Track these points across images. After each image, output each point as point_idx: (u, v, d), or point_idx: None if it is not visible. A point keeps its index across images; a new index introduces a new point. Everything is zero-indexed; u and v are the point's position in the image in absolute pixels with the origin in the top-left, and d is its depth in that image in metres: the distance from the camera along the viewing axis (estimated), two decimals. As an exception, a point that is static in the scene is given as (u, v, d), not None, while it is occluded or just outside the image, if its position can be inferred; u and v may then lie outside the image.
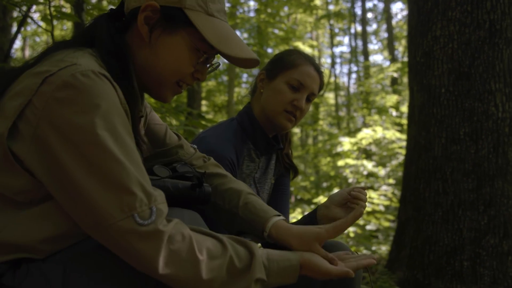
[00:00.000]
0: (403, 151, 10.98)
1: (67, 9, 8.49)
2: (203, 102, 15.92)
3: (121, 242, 1.14)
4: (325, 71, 2.32)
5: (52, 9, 4.38)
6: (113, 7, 1.48)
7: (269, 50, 16.55)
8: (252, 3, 16.64)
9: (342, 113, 22.03)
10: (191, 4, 1.37)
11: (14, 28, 9.23)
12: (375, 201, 9.38)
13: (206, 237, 1.25)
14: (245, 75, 18.28)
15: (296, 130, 21.02)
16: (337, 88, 21.67)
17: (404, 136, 10.77)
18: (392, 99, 13.77)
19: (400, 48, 21.99)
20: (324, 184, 14.08)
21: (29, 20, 5.84)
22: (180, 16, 1.36)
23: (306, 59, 2.23)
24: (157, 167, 1.47)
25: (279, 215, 1.58)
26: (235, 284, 1.25)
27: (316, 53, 21.67)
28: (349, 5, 21.83)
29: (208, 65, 1.48)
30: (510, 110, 3.33)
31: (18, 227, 1.19)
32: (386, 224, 9.52)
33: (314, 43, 18.47)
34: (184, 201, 1.46)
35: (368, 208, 9.20)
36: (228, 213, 1.66)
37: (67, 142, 1.12)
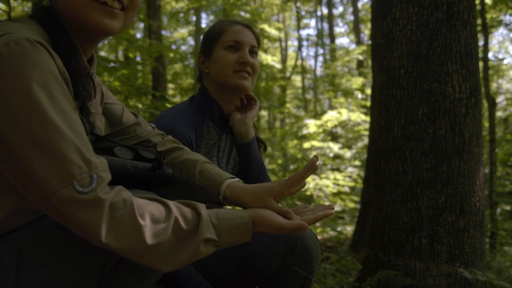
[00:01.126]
0: (368, 133, 11.14)
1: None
2: (169, 85, 15.80)
3: (64, 212, 1.12)
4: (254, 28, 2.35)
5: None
6: None
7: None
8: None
9: (309, 96, 22.13)
10: None
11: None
12: (341, 182, 9.51)
13: (149, 202, 1.24)
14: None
15: (264, 113, 21.05)
16: (303, 71, 21.73)
17: (369, 119, 10.91)
18: (358, 81, 13.90)
19: (366, 31, 22.15)
20: (292, 167, 14.18)
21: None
22: None
23: (229, 22, 2.31)
24: (118, 149, 1.47)
25: (234, 177, 1.59)
26: (183, 246, 1.24)
27: (282, 35, 21.66)
28: (315, -13, 21.84)
29: None
30: (466, 91, 3.40)
31: None
32: (352, 205, 9.67)
33: (281, 25, 18.41)
34: (145, 183, 1.46)
35: (334, 189, 9.32)
36: (185, 184, 1.66)
37: (3, 111, 1.11)
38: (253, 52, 2.27)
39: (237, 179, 1.60)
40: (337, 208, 9.38)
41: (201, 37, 2.41)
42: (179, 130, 2.03)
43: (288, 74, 19.91)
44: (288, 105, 19.59)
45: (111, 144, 1.56)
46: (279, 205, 1.46)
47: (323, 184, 9.29)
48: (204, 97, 2.26)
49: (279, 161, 15.42)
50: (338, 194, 9.71)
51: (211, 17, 18.80)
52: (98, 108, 1.60)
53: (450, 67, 3.41)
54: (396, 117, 3.47)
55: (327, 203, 9.14)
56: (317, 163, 1.49)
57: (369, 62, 16.55)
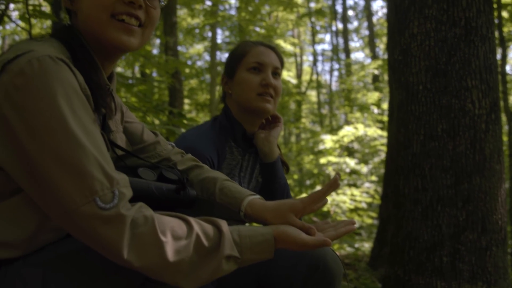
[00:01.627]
0: (385, 148, 11.05)
1: (46, 7, 8.43)
2: (186, 100, 15.87)
3: (85, 228, 1.12)
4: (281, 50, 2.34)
5: (30, 7, 4.34)
6: None
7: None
8: (233, 1, 16.69)
9: (325, 111, 22.09)
10: None
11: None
12: (358, 198, 9.43)
13: (170, 218, 1.23)
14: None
15: (279, 128, 20.94)
16: (319, 86, 21.72)
17: (386, 134, 10.84)
18: (374, 96, 13.84)
19: (381, 45, 22.09)
20: (308, 182, 14.13)
21: (7, 19, 5.77)
22: None
23: (253, 43, 2.29)
24: (142, 170, 1.46)
25: (255, 194, 1.58)
26: (205, 263, 1.22)
27: (297, 50, 21.70)
28: (330, 3, 21.90)
29: None
30: (486, 107, 3.36)
31: None
32: (369, 221, 9.59)
33: (296, 41, 18.46)
34: (169, 204, 1.45)
35: (351, 205, 9.25)
36: (206, 202, 1.65)
37: (28, 127, 1.12)
38: (276, 74, 2.24)
39: (257, 196, 1.59)
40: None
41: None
42: (200, 151, 2.02)
43: (303, 89, 19.92)
44: (303, 120, 19.57)
45: (132, 158, 1.56)
46: (301, 221, 1.45)
47: (340, 200, 9.22)
48: (227, 118, 2.25)
49: (295, 177, 15.36)
50: (355, 210, 9.63)
51: (227, 33, 18.90)
52: (118, 126, 1.61)
53: (469, 82, 3.38)
54: (415, 133, 3.44)
55: (344, 219, 9.10)
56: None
57: (385, 77, 16.53)
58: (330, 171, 11.16)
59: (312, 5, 21.16)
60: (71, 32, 1.40)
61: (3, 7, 4.86)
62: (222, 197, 1.60)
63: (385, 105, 13.71)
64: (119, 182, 1.17)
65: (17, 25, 5.45)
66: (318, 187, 10.77)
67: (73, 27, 1.43)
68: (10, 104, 1.13)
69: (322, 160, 10.78)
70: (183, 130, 4.32)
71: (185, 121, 4.36)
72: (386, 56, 17.09)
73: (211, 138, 2.15)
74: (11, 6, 4.71)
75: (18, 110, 1.13)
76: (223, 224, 1.29)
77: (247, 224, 1.63)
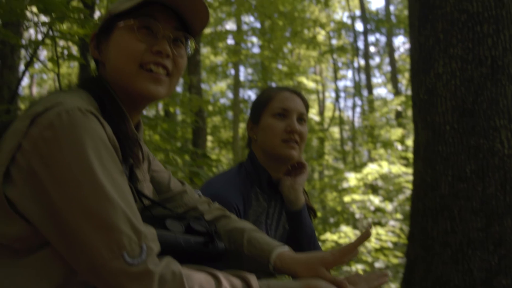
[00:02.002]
0: (410, 185, 10.89)
1: (74, 47, 8.61)
2: (208, 137, 15.95)
3: (113, 283, 1.10)
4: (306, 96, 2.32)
5: (59, 49, 4.42)
6: None
7: (273, 85, 16.65)
8: (255, 40, 16.89)
9: (348, 147, 21.99)
10: (115, 6, 1.43)
11: (22, 67, 9.36)
12: (383, 237, 9.27)
13: (198, 273, 1.21)
14: (250, 111, 18.35)
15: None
16: (341, 122, 21.69)
17: (410, 170, 10.70)
18: (397, 132, 13.75)
19: (404, 81, 22.08)
20: (331, 220, 13.97)
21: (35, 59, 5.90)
22: (109, 19, 1.43)
23: (278, 89, 2.27)
24: (169, 221, 1.44)
25: (283, 246, 1.54)
26: None
27: (320, 87, 21.78)
28: (351, 39, 22.04)
29: (160, 36, 1.42)
30: (516, 147, 3.30)
31: (18, 277, 1.16)
32: (395, 261, 9.39)
33: (318, 77, 18.57)
34: (197, 258, 1.42)
35: (376, 245, 9.09)
36: (234, 254, 1.61)
37: (56, 181, 1.11)
38: (302, 119, 2.20)
39: (286, 247, 1.55)
40: (380, 264, 9.09)
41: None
42: (226, 198, 1.99)
43: (326, 125, 19.90)
44: (326, 157, 19.50)
45: (159, 208, 1.54)
46: (332, 275, 1.40)
47: (365, 239, 9.07)
48: (253, 164, 2.22)
49: (319, 214, 15.20)
50: (380, 249, 9.45)
51: (249, 70, 19.09)
52: (145, 175, 1.59)
53: (497, 122, 3.32)
54: (443, 174, 3.38)
55: (369, 259, 8.90)
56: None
57: (408, 113, 16.44)
58: (354, 209, 11.03)
59: (334, 42, 21.32)
60: (99, 83, 1.41)
61: (32, 49, 4.97)
62: (250, 249, 1.56)
63: (409, 142, 13.60)
64: (147, 236, 1.15)
65: (46, 67, 5.56)
66: (343, 226, 10.62)
67: (101, 77, 1.43)
68: (38, 157, 1.12)
69: (346, 198, 10.66)
70: (207, 171, 4.31)
71: (209, 162, 4.34)
72: (409, 92, 17.06)
73: (237, 185, 2.12)
74: (40, 47, 4.80)
75: (47, 163, 1.12)
76: (253, 279, 1.26)
77: (276, 277, 1.59)
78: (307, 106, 2.26)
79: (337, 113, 21.93)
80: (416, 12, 4.00)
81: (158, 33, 1.40)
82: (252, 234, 1.60)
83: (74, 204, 1.10)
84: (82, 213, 1.10)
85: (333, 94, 24.77)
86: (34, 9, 3.31)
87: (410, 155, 13.27)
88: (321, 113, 22.16)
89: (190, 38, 1.52)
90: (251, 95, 19.49)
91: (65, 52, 4.61)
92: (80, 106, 1.18)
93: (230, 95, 20.67)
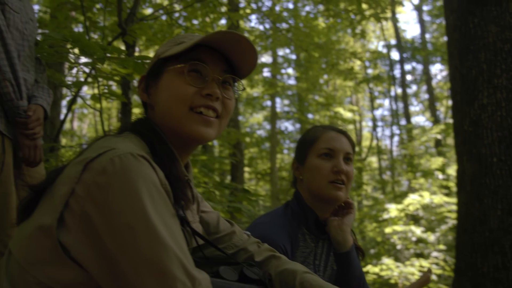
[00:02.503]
0: (452, 215, 10.66)
1: (114, 85, 8.81)
2: (246, 169, 15.97)
3: None
4: (351, 132, 2.29)
5: (101, 87, 4.53)
6: None
7: (310, 116, 16.66)
8: (291, 71, 17.03)
9: (386, 177, 21.72)
10: (163, 50, 1.46)
11: (63, 102, 9.61)
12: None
13: None
14: (287, 141, 18.38)
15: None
16: (379, 151, 21.48)
17: (452, 200, 10.48)
18: (438, 161, 13.52)
19: (442, 108, 21.80)
20: (372, 251, 13.74)
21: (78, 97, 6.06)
22: (157, 63, 1.45)
23: (323, 128, 2.25)
24: (223, 269, 1.43)
25: None
26: None
27: (357, 117, 21.68)
28: (387, 68, 21.95)
29: (211, 80, 1.43)
30: None
31: None
32: (440, 294, 9.15)
33: (355, 107, 18.50)
34: None
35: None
36: None
37: (109, 226, 1.11)
38: (348, 159, 2.18)
39: None
40: (424, 297, 8.88)
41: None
42: (273, 239, 1.97)
43: (363, 155, 19.73)
44: (365, 186, 19.29)
45: (211, 249, 1.53)
46: None
47: (408, 272, 8.87)
48: (299, 204, 2.20)
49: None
50: (424, 282, 9.23)
51: (286, 101, 19.15)
52: (195, 216, 1.59)
53: (547, 153, 3.23)
54: (492, 208, 3.29)
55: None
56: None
57: (447, 141, 16.18)
58: (396, 240, 10.83)
59: (370, 71, 21.27)
60: (148, 126, 1.42)
61: (75, 89, 5.10)
62: None
63: (450, 171, 13.35)
64: (201, 283, 1.14)
65: (88, 105, 5.69)
66: (384, 257, 10.43)
67: (150, 120, 1.45)
68: (92, 202, 1.13)
69: (387, 230, 10.49)
70: (248, 206, 4.30)
71: (249, 197, 4.34)
72: (448, 120, 16.83)
73: (284, 226, 2.10)
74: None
75: (100, 209, 1.12)
76: None
77: None
78: (353, 145, 2.24)
79: (374, 143, 21.74)
80: (456, 42, 3.97)
81: (208, 76, 1.42)
82: (304, 276, 1.58)
83: (128, 249, 1.09)
84: (136, 258, 1.09)
85: (370, 124, 24.60)
86: (76, 50, 3.41)
87: (451, 184, 13.03)
88: (358, 142, 22.00)
89: (238, 80, 1.53)
90: (287, 126, 19.55)
91: (105, 88, 4.72)
92: (132, 151, 1.19)
93: (267, 126, 20.77)
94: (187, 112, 1.38)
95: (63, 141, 15.31)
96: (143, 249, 1.09)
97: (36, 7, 9.59)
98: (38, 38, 3.04)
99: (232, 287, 1.35)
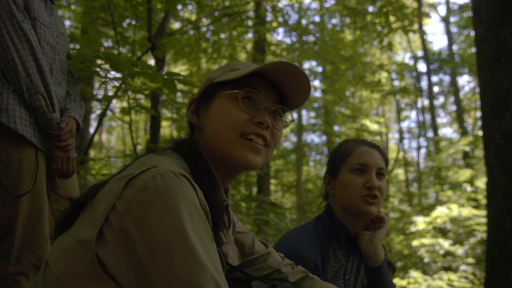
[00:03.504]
0: (481, 228, 10.50)
1: (142, 98, 8.92)
2: (272, 181, 15.96)
3: None
4: (383, 144, 2.27)
5: (131, 101, 4.61)
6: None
7: (336, 128, 16.61)
8: (318, 84, 17.03)
9: (413, 189, 21.50)
10: (216, 75, 1.49)
11: (93, 115, 9.75)
12: (456, 283, 8.92)
13: None
14: (313, 153, 18.33)
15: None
16: (406, 163, 21.28)
17: (481, 213, 10.33)
18: (466, 174, 13.34)
19: (470, 120, 21.53)
20: (399, 264, 13.58)
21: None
22: (211, 86, 1.47)
23: (356, 142, 2.24)
24: (255, 283, 1.45)
25: None
26: None
27: (383, 129, 21.54)
28: (414, 80, 21.79)
29: (261, 108, 1.45)
30: None
31: None
32: (469, 308, 9.01)
33: (381, 119, 18.38)
34: None
35: (449, 292, 8.76)
36: None
37: (147, 243, 1.13)
38: (381, 174, 2.17)
39: None
40: (453, 312, 8.75)
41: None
42: (304, 253, 1.98)
43: (390, 167, 19.58)
44: (391, 199, 19.11)
45: (244, 275, 1.54)
46: None
47: (436, 286, 8.75)
48: (330, 219, 2.20)
49: (385, 258, 14.80)
50: (453, 296, 9.10)
51: (312, 114, 19.14)
52: (230, 237, 1.60)
53: None
54: (524, 222, 3.25)
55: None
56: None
57: (476, 153, 15.97)
58: (423, 253, 10.71)
59: (396, 83, 21.15)
60: (193, 148, 1.45)
61: (105, 103, 5.19)
62: None
63: (478, 183, 13.17)
64: None
65: (118, 118, 5.79)
66: (412, 271, 10.31)
67: (195, 143, 1.48)
68: (131, 218, 1.15)
69: (415, 243, 10.37)
70: (275, 218, 4.31)
71: (278, 211, 4.35)
72: (476, 132, 16.61)
73: (315, 240, 2.10)
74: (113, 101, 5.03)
75: (139, 225, 1.15)
76: None
77: None
78: (386, 159, 2.23)
79: (401, 155, 21.56)
80: (486, 54, 3.94)
81: (260, 105, 1.45)
82: None
83: (164, 267, 1.11)
84: (171, 277, 1.10)
85: (396, 136, 24.41)
86: (107, 65, 3.48)
87: (480, 196, 12.83)
88: (388, 162, 21.81)
89: (288, 111, 1.56)
90: (314, 138, 19.52)
91: (134, 102, 4.80)
92: (174, 169, 1.21)
93: (293, 138, 20.76)
94: (238, 138, 1.41)
95: (92, 153, 15.51)
96: (180, 268, 1.11)
97: (67, 23, 9.78)
98: (71, 53, 3.12)
99: None
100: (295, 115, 17.57)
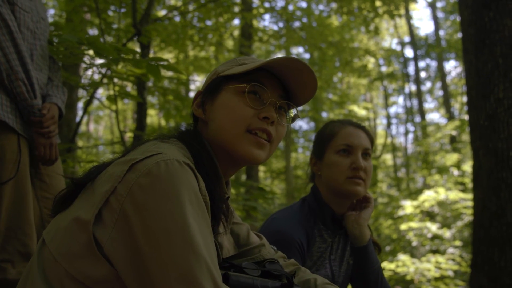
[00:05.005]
0: (468, 211, 10.59)
1: (129, 87, 8.86)
2: (261, 168, 15.98)
3: None
4: (370, 129, 2.28)
5: (116, 88, 4.58)
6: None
7: (324, 114, 16.64)
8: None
9: (401, 174, 21.63)
10: (223, 69, 1.49)
11: (80, 104, 9.69)
12: (443, 266, 9.00)
13: None
14: (301, 140, 18.36)
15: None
16: (394, 149, 21.38)
17: (468, 196, 10.42)
18: (453, 158, 13.43)
19: (457, 105, 21.65)
20: (387, 248, 13.68)
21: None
22: (217, 79, 1.48)
23: (341, 123, 2.25)
24: (246, 264, 1.45)
25: None
26: None
27: (371, 114, 21.61)
28: (401, 66, 21.85)
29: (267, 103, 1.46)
30: None
31: None
32: (456, 290, 9.10)
33: (369, 105, 18.43)
34: None
35: (436, 273, 8.84)
36: None
37: (146, 228, 1.13)
38: (367, 154, 2.18)
39: None
40: (441, 294, 8.82)
41: (313, 137, 2.37)
42: (290, 234, 1.99)
43: (378, 153, 19.66)
44: (380, 184, 19.21)
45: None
46: None
47: (424, 268, 8.81)
48: (316, 199, 2.21)
49: (374, 242, 14.89)
50: (441, 278, 9.16)
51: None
52: (226, 228, 1.61)
53: None
54: (509, 202, 3.29)
55: (430, 288, 8.64)
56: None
57: (463, 137, 16.07)
58: (411, 236, 10.78)
59: (384, 69, 21.19)
60: (198, 139, 1.45)
61: (91, 90, 5.16)
62: None
63: (465, 167, 13.26)
64: None
65: (104, 105, 5.76)
66: (400, 255, 10.39)
67: (199, 134, 1.49)
68: (132, 202, 1.15)
69: (403, 226, 10.44)
70: (263, 204, 4.32)
71: (265, 195, 4.36)
72: (463, 116, 16.71)
73: (300, 221, 2.11)
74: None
75: (139, 209, 1.14)
76: None
77: None
78: (371, 140, 2.24)
79: (389, 140, 21.65)
80: (471, 37, 3.96)
81: (266, 100, 1.45)
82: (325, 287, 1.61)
83: (160, 253, 1.11)
84: (166, 263, 1.10)
85: (384, 121, 24.50)
86: (91, 52, 3.46)
87: (466, 180, 12.93)
88: (374, 142, 21.90)
89: (293, 107, 1.57)
90: (302, 125, 19.57)
91: (126, 89, 4.78)
92: (178, 157, 1.22)
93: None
94: (243, 132, 1.42)
95: (80, 143, 15.43)
96: (176, 255, 1.10)
97: (51, 11, 9.68)
98: (55, 40, 3.09)
99: (255, 282, 1.37)
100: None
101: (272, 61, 1.41)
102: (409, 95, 23.05)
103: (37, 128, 2.32)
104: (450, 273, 9.15)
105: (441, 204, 11.46)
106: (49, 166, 2.45)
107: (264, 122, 1.43)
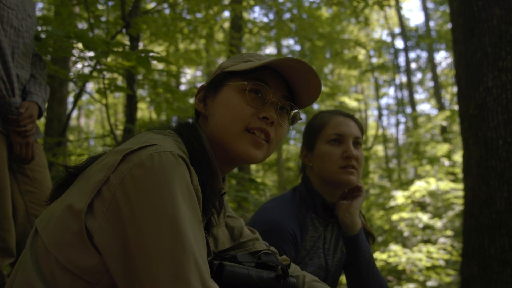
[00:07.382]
0: (459, 201, 10.66)
1: (120, 80, 8.82)
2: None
3: None
4: (360, 118, 2.29)
5: (106, 81, 4.55)
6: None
7: (315, 106, 16.64)
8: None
9: (393, 165, 21.71)
10: (229, 64, 1.48)
11: (70, 99, 9.63)
12: (435, 255, 9.05)
13: None
14: (293, 132, 18.38)
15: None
16: (385, 140, 21.43)
17: (458, 186, 10.47)
18: (443, 148, 13.48)
19: (447, 95, 21.72)
20: (380, 239, 13.74)
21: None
22: (221, 75, 1.46)
23: (330, 113, 2.24)
24: (240, 255, 1.45)
25: None
26: None
27: (362, 106, 21.64)
28: (392, 57, 21.87)
29: (269, 103, 1.45)
30: None
31: None
32: (448, 279, 9.16)
33: (360, 96, 18.44)
34: None
35: (428, 263, 8.89)
36: None
37: (136, 219, 1.12)
38: (357, 143, 2.18)
39: None
40: (432, 283, 8.86)
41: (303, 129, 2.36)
42: (282, 224, 1.99)
43: (369, 144, 19.71)
44: (371, 175, 19.27)
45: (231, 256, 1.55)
46: None
47: (416, 258, 8.87)
48: (307, 189, 2.20)
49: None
50: (432, 267, 9.23)
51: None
52: (221, 221, 1.62)
53: (552, 134, 3.24)
54: (498, 190, 3.30)
55: (421, 278, 8.71)
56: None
57: (453, 127, 16.14)
58: (403, 227, 10.83)
59: (374, 60, 21.21)
60: (195, 133, 1.44)
61: (80, 83, 5.13)
62: None
63: (456, 157, 13.32)
64: None
65: (94, 99, 5.73)
66: (392, 245, 10.44)
67: (197, 128, 1.47)
68: (123, 192, 1.15)
69: (394, 217, 10.48)
70: (254, 195, 4.33)
71: (256, 186, 4.36)
72: (453, 107, 16.77)
73: (292, 210, 2.11)
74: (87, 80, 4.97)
75: (130, 200, 1.13)
76: None
77: None
78: (361, 128, 2.24)
79: (380, 131, 21.71)
80: (460, 27, 3.97)
81: (267, 99, 1.44)
82: (313, 285, 1.63)
83: (148, 246, 1.10)
84: (154, 256, 1.09)
85: (375, 113, 24.55)
86: (80, 45, 3.43)
87: (457, 170, 13.00)
88: (364, 131, 21.95)
89: (295, 108, 1.55)
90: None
91: (112, 83, 4.75)
92: (172, 150, 1.21)
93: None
94: (242, 131, 1.40)
95: (70, 137, 15.35)
96: (164, 248, 1.09)
97: (40, 5, 9.60)
98: (42, 35, 3.06)
99: (250, 273, 1.37)
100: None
101: (276, 61, 1.40)
102: (400, 86, 23.11)
103: (14, 127, 2.29)
104: (442, 263, 9.20)
105: (432, 194, 11.51)
106: (25, 164, 2.41)
107: (263, 122, 1.42)
